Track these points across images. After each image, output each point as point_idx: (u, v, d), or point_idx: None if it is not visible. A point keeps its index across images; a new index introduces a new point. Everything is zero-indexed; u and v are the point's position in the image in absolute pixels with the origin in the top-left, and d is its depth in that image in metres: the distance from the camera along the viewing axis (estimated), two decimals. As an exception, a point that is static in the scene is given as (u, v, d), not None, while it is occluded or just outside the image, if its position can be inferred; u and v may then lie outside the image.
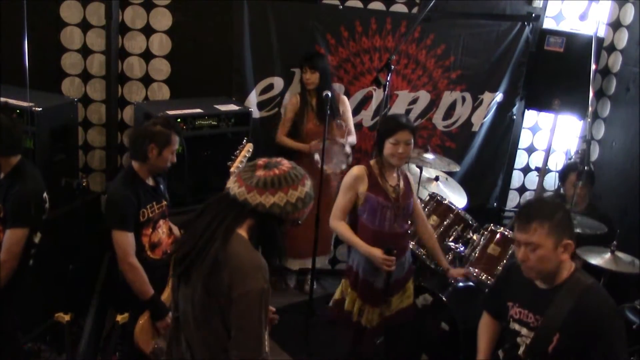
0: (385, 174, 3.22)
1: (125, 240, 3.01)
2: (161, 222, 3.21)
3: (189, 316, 1.99)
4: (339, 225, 3.27)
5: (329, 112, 4.00)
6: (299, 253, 4.61)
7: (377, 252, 3.13)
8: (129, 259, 3.01)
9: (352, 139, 4.45)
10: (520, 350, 2.42)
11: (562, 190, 4.33)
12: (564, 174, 4.26)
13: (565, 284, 2.33)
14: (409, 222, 3.42)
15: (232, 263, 1.88)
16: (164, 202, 3.24)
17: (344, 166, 4.28)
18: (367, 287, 3.27)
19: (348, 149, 4.31)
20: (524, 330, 2.43)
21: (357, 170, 3.24)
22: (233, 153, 3.18)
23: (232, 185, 1.96)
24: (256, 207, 1.92)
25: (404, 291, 3.42)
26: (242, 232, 1.96)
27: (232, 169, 3.08)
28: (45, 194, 3.06)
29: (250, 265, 1.90)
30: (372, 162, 3.26)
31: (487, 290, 3.50)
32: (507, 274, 2.60)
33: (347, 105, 4.49)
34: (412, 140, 3.16)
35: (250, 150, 3.21)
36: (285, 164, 1.99)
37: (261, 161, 1.99)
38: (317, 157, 4.18)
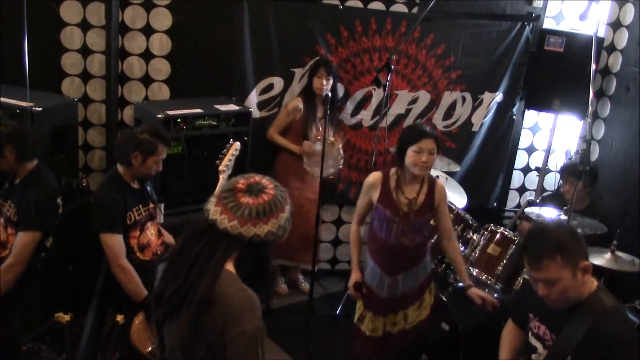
0: (403, 185, 3.13)
1: (114, 242, 3.01)
2: (149, 224, 3.22)
3: (176, 355, 1.89)
4: (352, 229, 3.33)
5: (328, 112, 4.02)
6: (284, 254, 4.58)
7: (353, 279, 3.26)
8: (120, 261, 3.02)
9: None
10: None
11: (561, 190, 4.34)
12: (564, 173, 4.26)
13: (585, 304, 2.21)
14: (426, 234, 3.28)
15: (224, 304, 1.78)
16: (151, 205, 3.24)
17: (332, 170, 4.29)
18: (371, 294, 3.25)
19: (341, 152, 4.33)
20: (539, 348, 2.36)
21: (372, 177, 3.20)
22: (220, 152, 3.16)
23: (219, 217, 1.81)
24: (251, 239, 1.82)
25: (420, 302, 3.34)
26: (229, 266, 1.86)
27: (220, 167, 3.08)
28: (59, 199, 3.07)
29: (243, 305, 1.80)
30: (392, 170, 3.19)
31: (513, 297, 3.47)
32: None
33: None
34: (436, 150, 3.06)
35: (238, 148, 3.18)
36: (269, 185, 1.88)
37: (240, 184, 1.86)
38: (305, 160, 4.27)
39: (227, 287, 1.80)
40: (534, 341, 2.40)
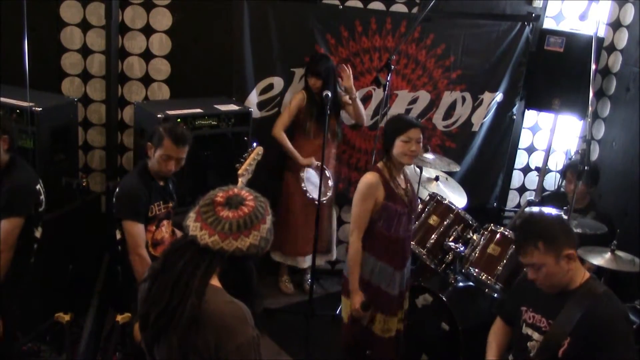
0: (395, 177, 3.15)
1: (136, 230, 3.07)
2: (165, 221, 3.27)
3: None
4: (356, 247, 3.13)
5: (329, 111, 4.02)
6: (303, 251, 4.62)
7: (356, 300, 3.11)
8: (139, 250, 3.06)
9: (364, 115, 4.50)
10: (532, 354, 2.44)
11: (562, 189, 4.34)
12: (567, 172, 4.25)
13: (578, 290, 2.38)
14: None
15: (214, 320, 1.73)
16: (171, 203, 3.29)
17: (324, 197, 4.35)
18: (381, 295, 3.19)
19: (331, 183, 4.45)
20: (535, 335, 2.46)
21: (372, 177, 3.09)
22: (242, 155, 3.07)
23: (199, 233, 1.76)
24: (233, 253, 1.77)
25: (408, 292, 3.40)
26: (213, 280, 1.80)
27: (240, 172, 3.04)
28: (38, 186, 3.08)
29: (234, 318, 1.75)
30: (379, 165, 3.16)
31: (501, 296, 3.53)
32: (523, 280, 2.62)
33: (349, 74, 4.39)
34: (421, 139, 3.10)
35: (260, 153, 3.10)
36: (248, 196, 1.82)
37: (219, 197, 1.80)
38: (303, 185, 4.32)
39: (215, 303, 1.75)
40: (529, 331, 2.51)
